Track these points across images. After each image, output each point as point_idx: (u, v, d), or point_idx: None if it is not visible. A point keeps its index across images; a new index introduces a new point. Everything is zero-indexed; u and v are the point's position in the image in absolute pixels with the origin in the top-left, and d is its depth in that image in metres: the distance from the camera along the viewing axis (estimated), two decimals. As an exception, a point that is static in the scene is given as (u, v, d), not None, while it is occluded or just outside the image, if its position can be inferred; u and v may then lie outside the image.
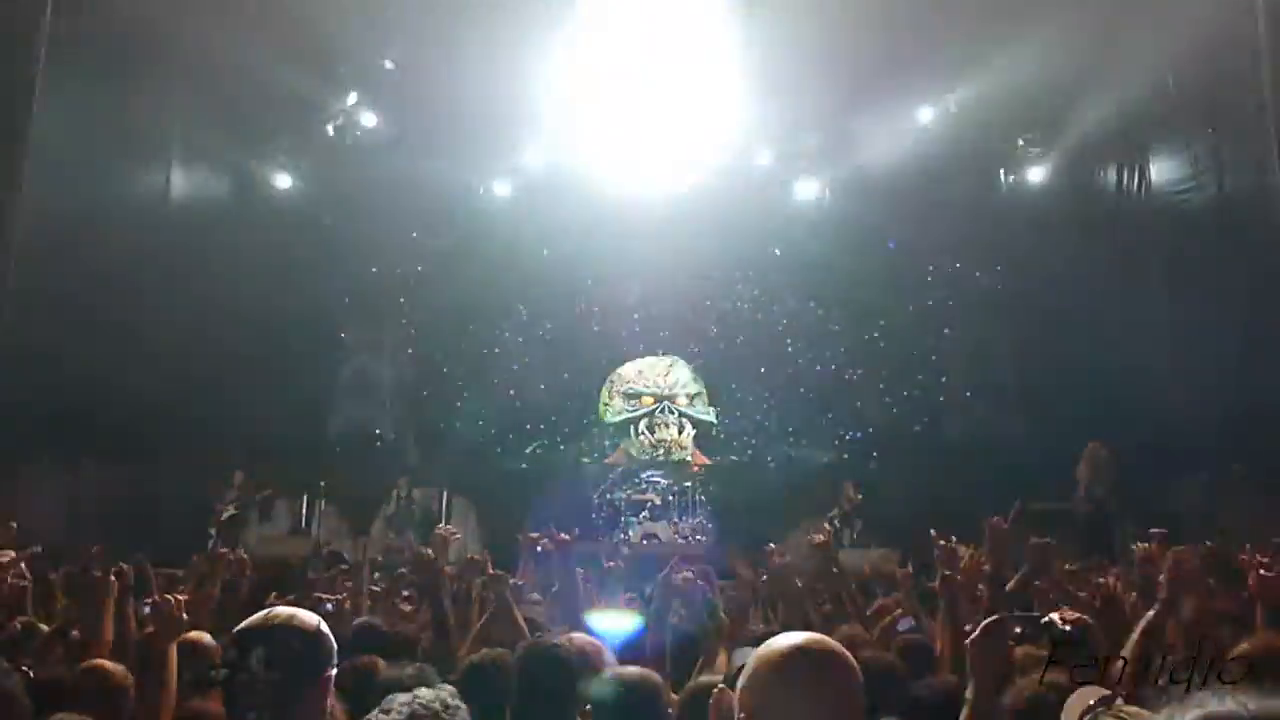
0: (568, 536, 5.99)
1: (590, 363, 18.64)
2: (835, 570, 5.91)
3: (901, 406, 17.71)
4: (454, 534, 4.51)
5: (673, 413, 18.53)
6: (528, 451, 18.37)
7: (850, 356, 18.06)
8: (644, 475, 17.71)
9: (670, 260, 17.62)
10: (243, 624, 2.75)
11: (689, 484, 17.44)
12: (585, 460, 18.10)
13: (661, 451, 18.12)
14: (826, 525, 14.08)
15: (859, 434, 18.04)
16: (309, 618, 2.74)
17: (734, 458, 18.24)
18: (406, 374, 18.45)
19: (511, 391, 18.49)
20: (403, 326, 18.36)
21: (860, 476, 16.43)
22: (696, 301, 18.69)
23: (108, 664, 4.18)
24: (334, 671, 2.74)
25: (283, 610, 2.76)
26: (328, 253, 16.89)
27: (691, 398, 18.61)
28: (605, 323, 18.67)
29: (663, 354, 18.99)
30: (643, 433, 18.16)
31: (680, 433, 18.23)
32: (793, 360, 18.45)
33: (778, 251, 18.30)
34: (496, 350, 18.54)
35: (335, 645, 2.75)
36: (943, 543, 4.70)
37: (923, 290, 17.76)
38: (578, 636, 4.19)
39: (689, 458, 17.99)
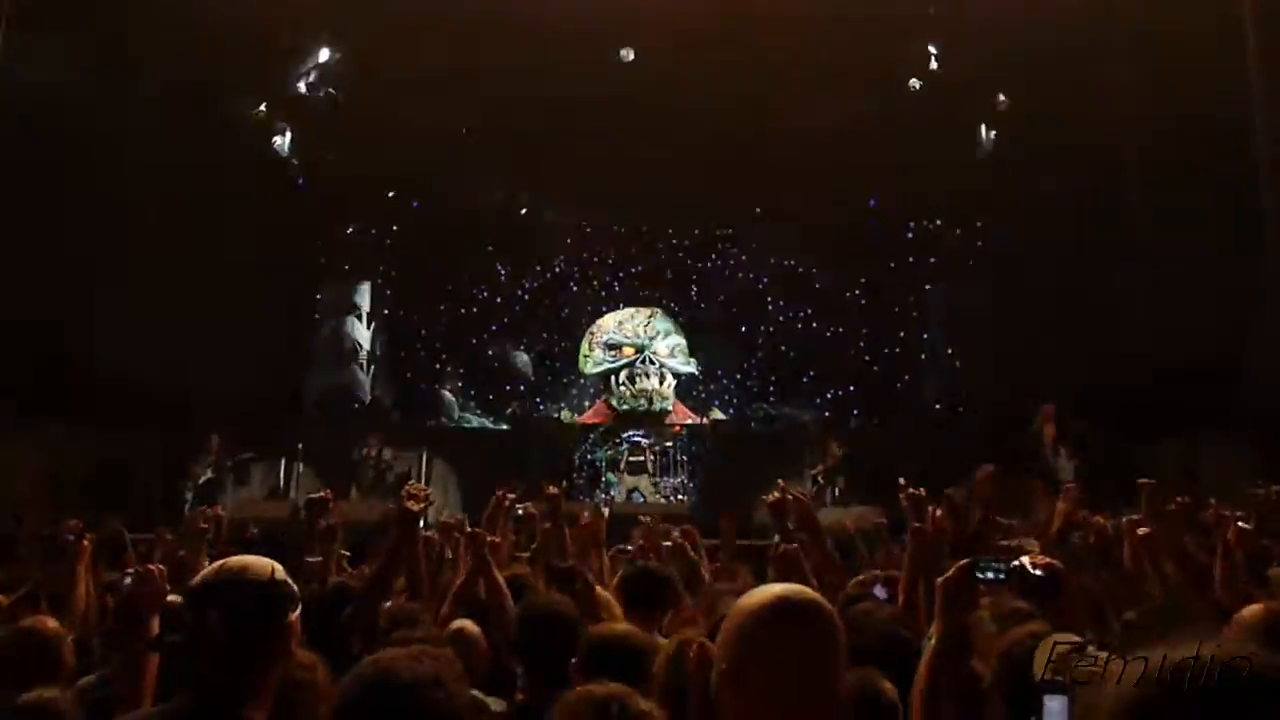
0: (556, 489, 6.18)
1: (570, 322, 18.84)
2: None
3: (885, 364, 18.02)
4: (427, 493, 4.44)
5: (653, 363, 18.65)
6: (507, 412, 18.52)
7: (833, 313, 18.20)
8: (625, 435, 17.79)
9: (652, 213, 18.22)
10: (194, 579, 2.69)
11: (670, 444, 17.59)
12: (566, 419, 18.26)
13: (643, 401, 18.28)
14: (810, 483, 14.71)
15: (841, 391, 18.16)
16: (263, 564, 2.66)
17: (716, 416, 18.34)
18: (384, 335, 18.65)
19: (491, 352, 18.88)
20: (378, 287, 18.74)
21: (844, 434, 16.29)
22: (677, 259, 18.85)
23: (42, 620, 4.07)
24: (296, 615, 2.65)
25: (234, 560, 2.66)
26: (302, 211, 16.89)
27: (672, 349, 18.73)
28: (585, 281, 18.81)
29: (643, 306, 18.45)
30: (623, 383, 18.34)
31: (661, 383, 18.37)
32: (773, 317, 18.63)
33: (758, 210, 18.46)
34: (475, 310, 18.90)
35: (296, 590, 2.66)
36: (911, 490, 4.56)
37: (906, 247, 17.95)
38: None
39: (670, 407, 18.15)
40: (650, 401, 18.25)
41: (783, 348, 18.51)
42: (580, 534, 6.13)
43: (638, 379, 18.59)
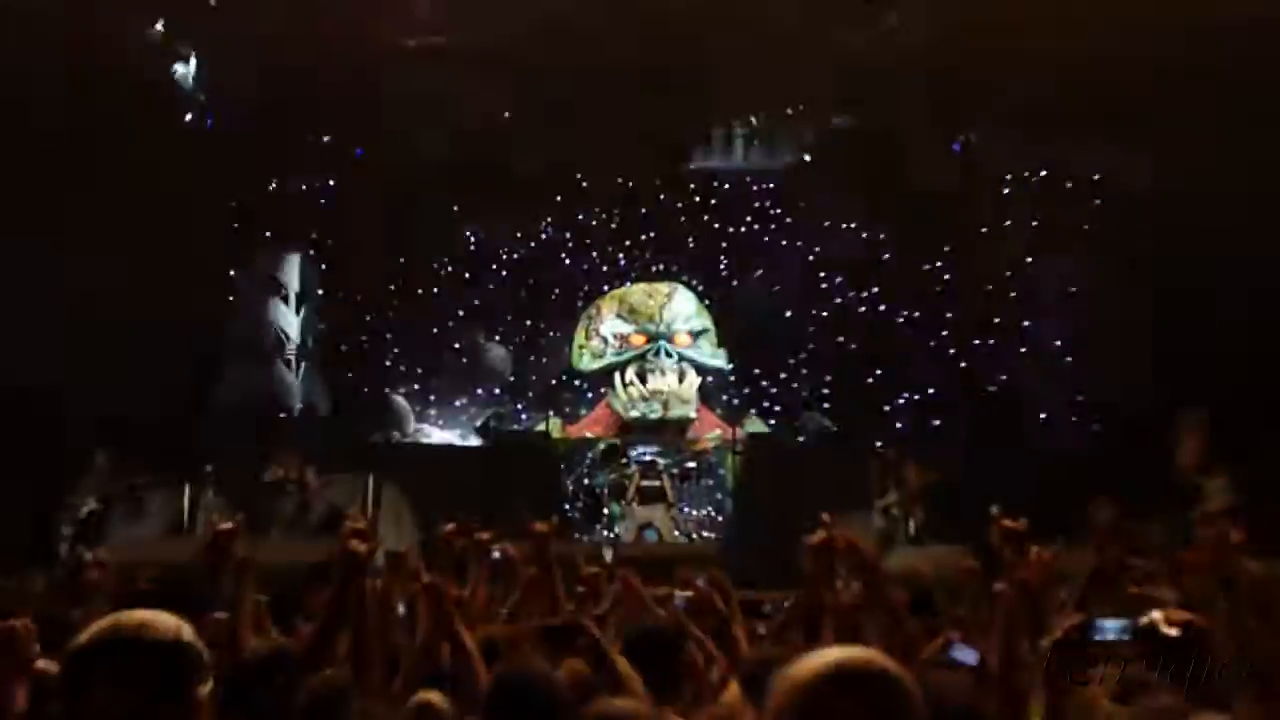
0: (544, 526, 6.21)
1: (562, 305, 18.97)
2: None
3: (974, 363, 18.05)
4: (358, 519, 4.43)
5: (670, 355, 18.62)
6: (480, 424, 18.69)
7: (905, 296, 18.32)
8: (634, 453, 17.79)
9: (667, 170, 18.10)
10: (80, 639, 2.66)
11: (694, 464, 17.65)
12: (555, 431, 18.17)
13: (657, 406, 18.24)
14: (879, 515, 14.73)
15: (920, 396, 18.27)
16: (166, 622, 2.65)
17: (754, 429, 18.19)
18: (317, 323, 18.74)
19: (457, 345, 18.91)
20: (310, 260, 18.82)
21: (924, 454, 16.03)
22: (703, 226, 18.99)
23: None
24: (207, 689, 2.65)
25: (129, 617, 2.64)
26: (211, 161, 17.09)
27: (696, 335, 18.80)
28: (580, 249, 18.93)
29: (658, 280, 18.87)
30: (631, 381, 18.39)
31: (681, 381, 18.38)
32: (829, 297, 18.85)
33: (807, 157, 18.61)
34: (435, 290, 18.99)
35: (205, 655, 2.67)
36: (1007, 524, 4.41)
37: (1002, 208, 18.08)
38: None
39: (692, 414, 18.13)
40: (667, 406, 18.22)
41: (840, 339, 18.68)
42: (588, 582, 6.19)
43: (650, 377, 18.55)
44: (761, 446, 18.01)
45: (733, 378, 19.01)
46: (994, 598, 5.28)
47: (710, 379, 18.81)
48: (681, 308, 19.14)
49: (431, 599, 5.00)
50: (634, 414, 18.26)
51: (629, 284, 19.42)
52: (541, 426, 18.33)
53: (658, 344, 18.81)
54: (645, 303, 19.25)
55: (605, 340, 19.13)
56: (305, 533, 14.45)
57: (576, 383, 19.13)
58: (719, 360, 18.95)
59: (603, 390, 18.81)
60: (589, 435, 18.33)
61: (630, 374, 18.63)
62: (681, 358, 18.67)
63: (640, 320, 19.06)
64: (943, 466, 15.13)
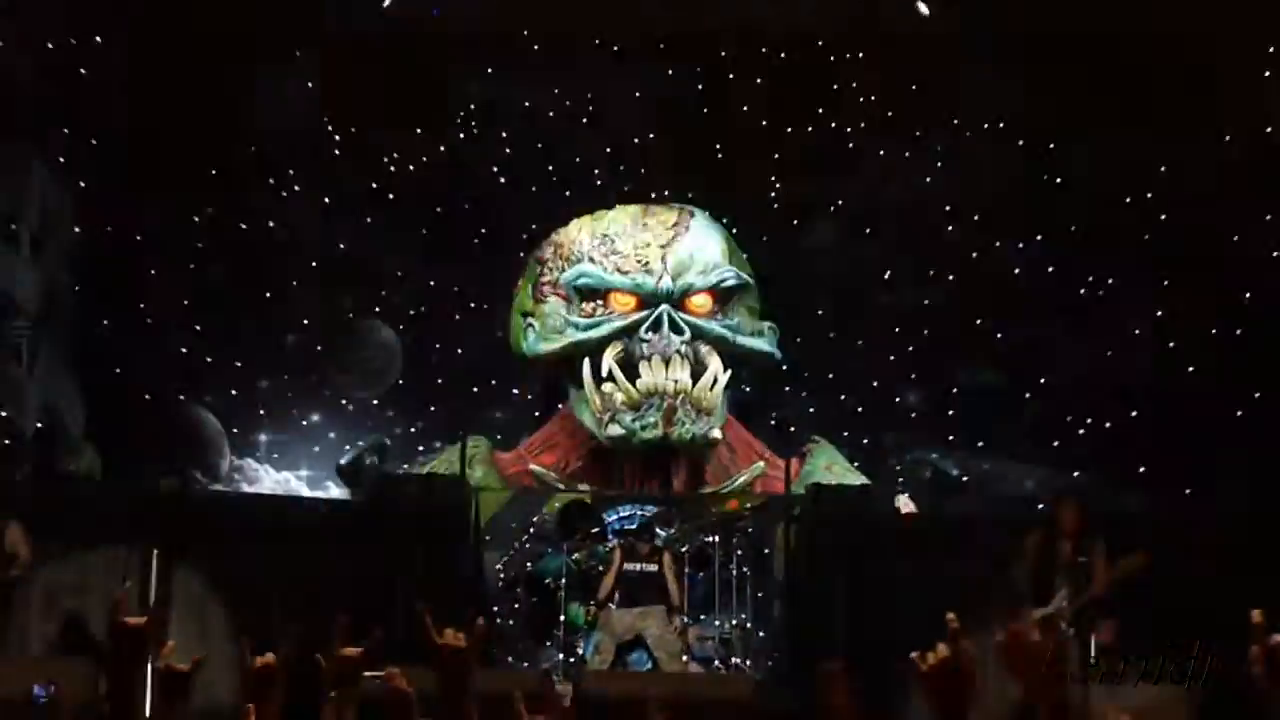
0: (457, 639, 3.85)
1: (492, 247, 16.44)
2: None
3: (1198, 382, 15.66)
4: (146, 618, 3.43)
5: (680, 329, 15.55)
6: (347, 461, 15.52)
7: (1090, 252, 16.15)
8: (614, 516, 14.75)
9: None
10: None
11: (715, 537, 14.08)
12: (481, 469, 15.34)
13: (654, 418, 15.14)
14: (1042, 621, 10.98)
15: (1107, 425, 15.61)
16: None
17: (822, 463, 15.48)
18: (65, 279, 16.19)
19: (309, 322, 16.28)
20: (54, 173, 15.98)
21: (1116, 524, 12.48)
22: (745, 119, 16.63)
23: None
24: None
25: None
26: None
27: (724, 297, 15.93)
28: (521, 157, 16.66)
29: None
30: (609, 371, 15.52)
31: (696, 374, 15.23)
32: (963, 256, 16.22)
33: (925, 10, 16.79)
34: (274, 226, 16.22)
35: None
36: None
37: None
38: None
39: (716, 433, 15.36)
40: (671, 419, 15.14)
41: (977, 319, 15.83)
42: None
43: (645, 367, 15.43)
44: (835, 506, 13.78)
45: (787, 372, 16.14)
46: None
47: (748, 374, 15.99)
48: (701, 249, 15.96)
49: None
50: (614, 431, 15.26)
51: (611, 211, 16.28)
52: (449, 462, 15.13)
53: (658, 310, 15.53)
54: (637, 237, 16.03)
55: (567, 303, 16.00)
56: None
57: (515, 384, 16.67)
58: (764, 342, 15.86)
59: (561, 394, 16.26)
60: (535, 470, 15.48)
61: (609, 361, 15.42)
62: (698, 333, 15.59)
63: (628, 268, 15.89)
64: (1142, 543, 11.40)
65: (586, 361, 15.53)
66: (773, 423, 16.25)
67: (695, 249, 15.98)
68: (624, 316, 15.60)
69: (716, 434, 15.36)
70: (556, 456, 15.72)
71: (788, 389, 16.37)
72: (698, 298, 15.75)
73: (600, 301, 15.77)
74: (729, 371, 15.63)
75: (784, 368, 16.21)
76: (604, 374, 15.54)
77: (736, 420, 15.90)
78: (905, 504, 15.82)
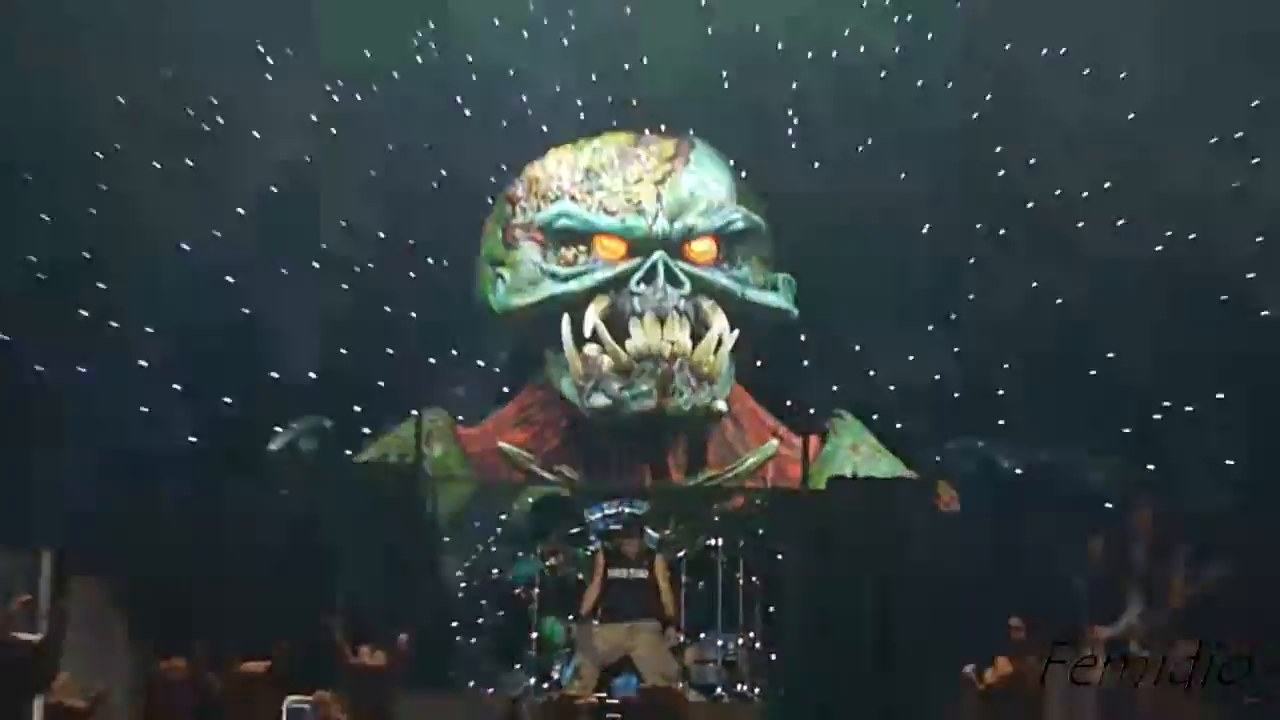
0: (378, 661, 6.02)
1: (452, 183, 15.02)
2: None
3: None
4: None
5: (678, 280, 14.06)
6: (274, 447, 14.06)
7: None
8: (599, 514, 13.70)
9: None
10: None
11: (714, 540, 13.07)
12: (438, 454, 14.11)
13: (647, 386, 13.68)
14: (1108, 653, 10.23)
15: (1188, 408, 14.11)
16: None
17: (847, 443, 14.41)
18: None
19: (230, 276, 14.66)
20: None
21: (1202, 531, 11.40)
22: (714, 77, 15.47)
23: None
24: None
25: None
26: None
27: (730, 240, 14.55)
28: (492, 107, 15.46)
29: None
30: (594, 330, 14.02)
31: (696, 333, 13.97)
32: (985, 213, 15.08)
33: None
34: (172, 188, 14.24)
35: None
36: None
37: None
38: None
39: (721, 404, 14.04)
40: (667, 388, 13.76)
41: (1033, 281, 14.51)
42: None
43: (636, 324, 14.01)
44: (863, 500, 12.47)
45: (805, 336, 14.81)
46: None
47: (759, 334, 14.74)
48: (703, 185, 14.48)
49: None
50: (599, 402, 13.72)
51: (598, 139, 14.88)
52: (403, 441, 13.51)
53: (652, 258, 14.04)
54: (627, 171, 14.60)
55: (543, 249, 14.51)
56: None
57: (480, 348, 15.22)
58: (778, 297, 14.46)
59: (538, 358, 14.85)
60: (505, 449, 13.87)
61: (594, 318, 13.89)
62: (699, 286, 14.15)
63: (616, 208, 14.36)
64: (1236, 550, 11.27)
65: (566, 319, 14.10)
66: (789, 404, 14.99)
67: (696, 185, 14.52)
68: (611, 265, 14.23)
69: (721, 405, 14.07)
70: (530, 433, 14.41)
71: (805, 354, 14.93)
72: (699, 243, 14.32)
73: (583, 247, 14.36)
74: (736, 331, 14.22)
75: (802, 337, 14.82)
76: (587, 334, 14.15)
77: (743, 391, 14.65)
78: (948, 495, 14.68)
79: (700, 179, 14.52)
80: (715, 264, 14.37)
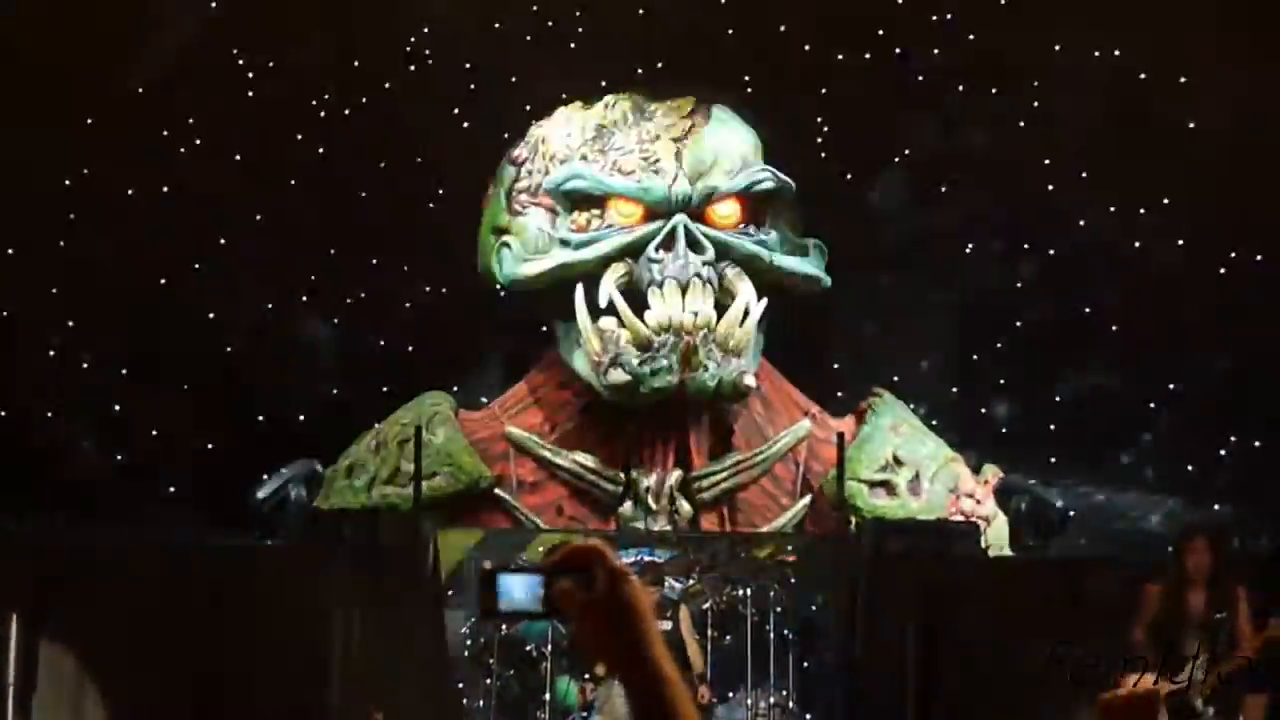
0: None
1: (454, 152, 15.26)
2: None
3: None
4: None
5: (700, 246, 13.49)
6: (261, 495, 13.46)
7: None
8: (621, 558, 11.26)
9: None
10: None
11: (742, 590, 13.70)
12: (440, 433, 13.56)
13: (664, 358, 13.06)
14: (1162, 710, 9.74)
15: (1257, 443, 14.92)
16: None
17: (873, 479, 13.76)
18: None
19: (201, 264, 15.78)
20: None
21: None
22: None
23: None
24: None
25: None
26: None
27: (756, 202, 14.00)
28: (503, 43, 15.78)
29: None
30: (610, 301, 13.43)
31: (720, 290, 13.39)
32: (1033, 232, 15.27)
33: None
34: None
35: None
36: None
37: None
38: None
39: (750, 380, 13.56)
40: (691, 362, 13.14)
41: (1086, 307, 15.07)
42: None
43: (655, 295, 13.42)
44: (906, 545, 12.41)
45: (831, 298, 14.89)
46: None
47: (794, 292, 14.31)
48: (726, 143, 13.88)
49: None
50: (617, 378, 13.10)
51: (610, 101, 14.23)
52: (401, 424, 13.32)
53: (671, 222, 13.37)
54: (643, 129, 13.95)
55: (553, 214, 13.97)
56: None
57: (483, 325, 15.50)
58: (808, 263, 13.89)
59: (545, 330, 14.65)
60: (513, 434, 13.52)
61: (610, 288, 13.24)
62: (724, 251, 13.44)
63: (631, 168, 13.76)
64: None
65: (580, 289, 13.46)
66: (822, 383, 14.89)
67: (718, 144, 13.92)
68: (628, 231, 13.57)
69: (750, 380, 13.37)
70: (541, 416, 13.98)
71: (835, 328, 14.79)
72: (722, 205, 13.69)
73: (596, 212, 13.72)
74: (764, 301, 13.56)
75: (820, 281, 13.99)
76: (603, 305, 13.49)
77: (772, 370, 14.22)
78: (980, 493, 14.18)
79: (722, 136, 14.03)
80: (740, 227, 13.81)
